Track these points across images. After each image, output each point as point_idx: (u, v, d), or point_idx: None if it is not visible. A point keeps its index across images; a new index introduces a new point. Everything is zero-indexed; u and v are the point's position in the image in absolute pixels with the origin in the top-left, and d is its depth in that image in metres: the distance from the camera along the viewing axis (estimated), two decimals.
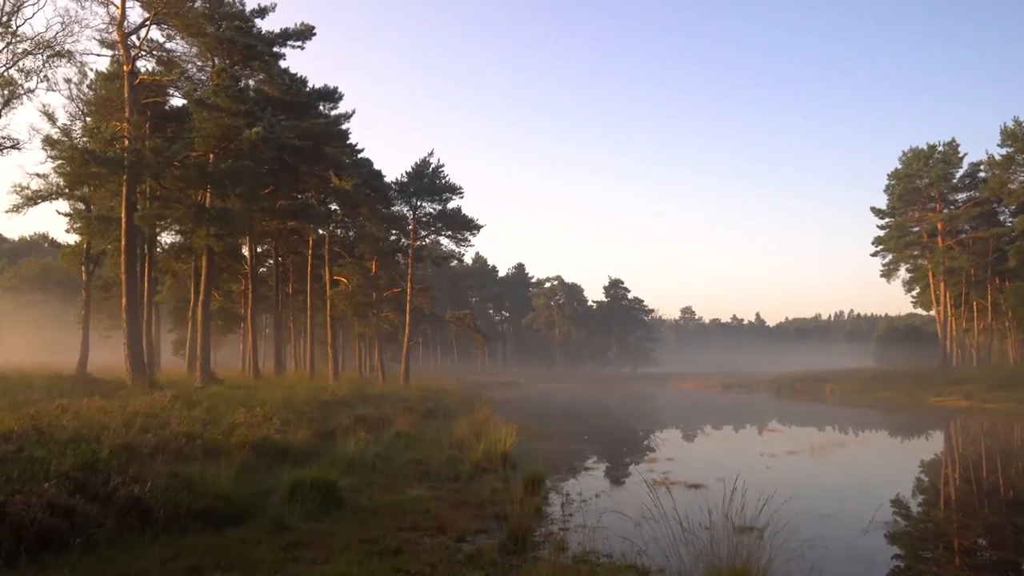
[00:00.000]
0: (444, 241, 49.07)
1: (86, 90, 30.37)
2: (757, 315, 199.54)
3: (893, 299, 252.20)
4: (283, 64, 35.36)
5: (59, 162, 28.85)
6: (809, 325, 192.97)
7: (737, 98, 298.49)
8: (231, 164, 27.86)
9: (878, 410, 46.70)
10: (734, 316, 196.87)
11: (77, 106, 30.85)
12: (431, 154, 46.13)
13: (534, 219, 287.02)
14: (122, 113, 28.25)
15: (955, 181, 72.45)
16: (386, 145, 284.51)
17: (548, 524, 12.01)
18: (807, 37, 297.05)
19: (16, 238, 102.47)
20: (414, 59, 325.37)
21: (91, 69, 33.56)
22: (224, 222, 27.44)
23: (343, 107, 38.17)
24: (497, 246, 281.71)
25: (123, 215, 27.57)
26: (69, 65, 28.88)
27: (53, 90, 28.86)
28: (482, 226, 47.00)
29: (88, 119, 30.31)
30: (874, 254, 79.18)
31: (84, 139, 28.05)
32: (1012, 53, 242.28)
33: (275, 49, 34.83)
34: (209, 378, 32.16)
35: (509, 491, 14.35)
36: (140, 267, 38.35)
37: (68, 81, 29.53)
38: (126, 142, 27.48)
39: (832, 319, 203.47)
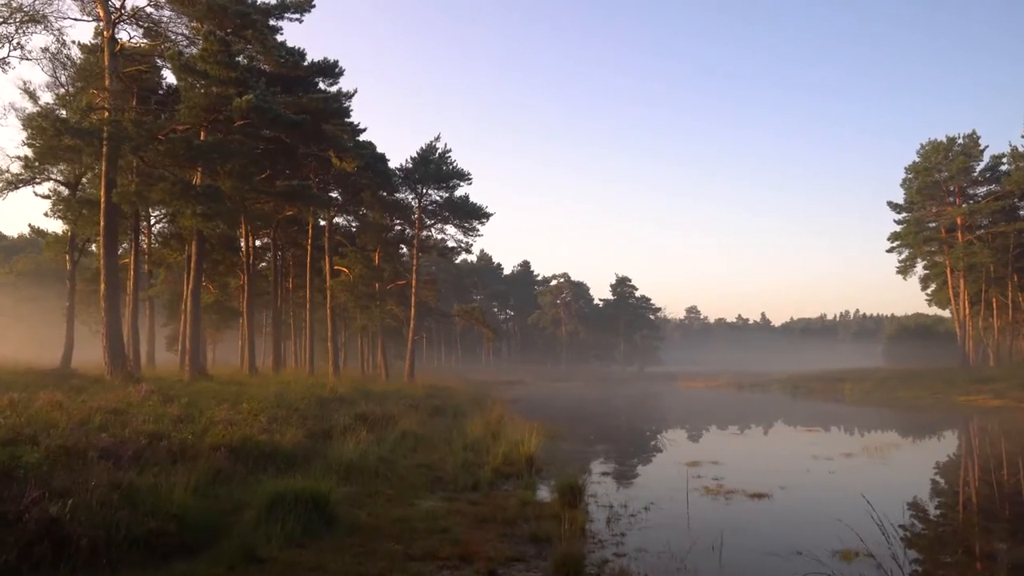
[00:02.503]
0: (451, 230, 46.39)
1: (64, 60, 27.81)
2: (762, 315, 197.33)
3: (899, 299, 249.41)
4: (279, 39, 32.92)
5: (32, 135, 26.37)
6: (815, 325, 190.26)
7: (744, 97, 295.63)
8: (220, 138, 25.33)
9: (908, 410, 44.19)
10: (739, 316, 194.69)
11: (55, 78, 28.35)
12: (437, 138, 43.63)
13: (539, 217, 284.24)
14: (102, 83, 25.76)
15: (975, 175, 69.82)
16: (387, 140, 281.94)
17: (598, 548, 9.48)
18: (814, 34, 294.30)
19: (15, 235, 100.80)
20: (417, 52, 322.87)
21: (75, 43, 31.18)
22: (212, 200, 24.90)
23: (345, 87, 35.63)
24: (502, 244, 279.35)
25: (102, 193, 25.09)
26: (46, 32, 26.46)
27: (28, 59, 26.43)
28: (491, 214, 44.48)
29: (66, 90, 27.73)
30: (890, 250, 76.66)
31: (58, 108, 25.55)
32: None
33: (271, 23, 32.34)
34: (199, 373, 29.68)
35: (541, 503, 11.90)
36: (130, 255, 36.00)
37: (45, 51, 26.98)
38: (106, 114, 25.01)
39: (838, 319, 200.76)
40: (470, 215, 44.33)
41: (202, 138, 26.98)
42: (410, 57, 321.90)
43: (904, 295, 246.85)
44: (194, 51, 28.89)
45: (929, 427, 32.46)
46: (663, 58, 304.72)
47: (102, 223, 25.24)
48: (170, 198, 24.79)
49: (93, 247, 37.99)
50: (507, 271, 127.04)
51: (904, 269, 77.20)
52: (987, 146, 68.66)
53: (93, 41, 30.92)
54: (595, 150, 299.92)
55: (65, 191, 34.88)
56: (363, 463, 13.41)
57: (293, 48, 31.90)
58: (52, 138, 23.95)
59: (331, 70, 33.66)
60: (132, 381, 22.46)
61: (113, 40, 25.91)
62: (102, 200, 25.10)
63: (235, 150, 25.31)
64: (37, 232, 41.19)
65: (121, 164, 27.72)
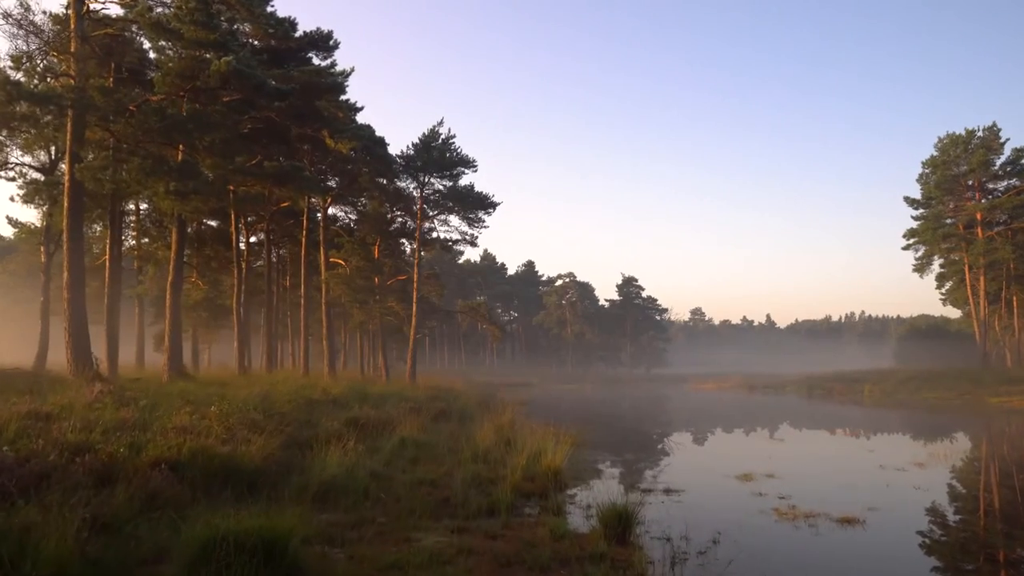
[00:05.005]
0: (455, 221, 43.42)
1: (29, 27, 24.98)
2: (767, 316, 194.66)
3: (905, 300, 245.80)
4: (268, 10, 30.18)
5: None
6: (820, 326, 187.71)
7: (749, 97, 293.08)
8: (198, 109, 22.55)
9: (942, 412, 41.54)
10: (744, 317, 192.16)
11: (23, 47, 25.56)
12: (440, 123, 40.62)
13: (542, 218, 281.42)
14: (68, 48, 23.04)
15: (996, 169, 67.26)
16: (386, 136, 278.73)
17: None
18: (818, 33, 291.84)
19: (11, 236, 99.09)
20: (418, 51, 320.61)
21: (46, 14, 28.41)
22: (187, 177, 22.11)
23: (341, 67, 32.73)
24: (505, 244, 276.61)
25: (67, 168, 22.39)
26: None
27: None
28: (498, 203, 41.44)
29: (27, 58, 24.93)
30: (906, 247, 74.28)
31: (16, 75, 22.82)
32: None
33: None
34: (178, 373, 26.93)
35: (579, 535, 9.11)
36: (106, 246, 33.25)
37: (7, 16, 24.24)
38: (71, 81, 22.30)
39: (843, 320, 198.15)
40: (475, 205, 41.40)
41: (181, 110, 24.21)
42: (411, 56, 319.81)
43: (910, 296, 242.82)
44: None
45: (983, 431, 29.54)
46: (668, 57, 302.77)
47: (66, 203, 22.47)
48: (141, 175, 22.01)
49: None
50: (511, 271, 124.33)
51: (921, 267, 74.84)
52: (1008, 139, 66.34)
53: (65, 12, 28.25)
54: (598, 150, 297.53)
55: (32, 174, 32.18)
56: (349, 481, 10.65)
57: (283, 18, 29.15)
58: (4, 104, 21.27)
59: (325, 42, 30.77)
60: (98, 381, 19.71)
61: (80, 1, 23.19)
62: (66, 176, 22.37)
63: (215, 122, 22.51)
64: (13, 223, 38.51)
65: (93, 140, 25.03)
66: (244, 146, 29.11)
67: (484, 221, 42.71)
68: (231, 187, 28.61)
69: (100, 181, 21.85)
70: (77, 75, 22.40)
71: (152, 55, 27.57)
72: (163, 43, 23.52)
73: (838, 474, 16.06)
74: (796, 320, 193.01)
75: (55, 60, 25.83)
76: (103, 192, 24.85)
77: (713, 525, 10.24)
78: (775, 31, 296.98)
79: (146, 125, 22.00)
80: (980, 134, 67.98)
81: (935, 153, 71.60)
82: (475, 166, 40.74)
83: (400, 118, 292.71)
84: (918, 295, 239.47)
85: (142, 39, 28.19)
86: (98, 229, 42.24)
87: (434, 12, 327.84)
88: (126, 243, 46.14)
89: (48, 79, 22.43)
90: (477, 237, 44.30)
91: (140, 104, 22.62)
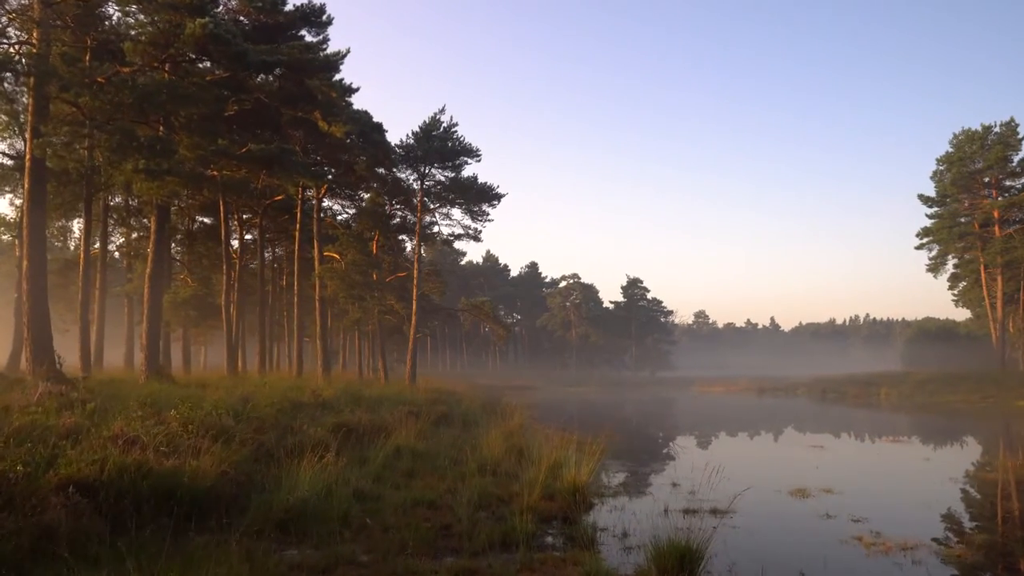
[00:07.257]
0: (457, 215, 41.16)
1: None
2: (772, 319, 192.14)
3: (910, 302, 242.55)
4: None
5: None
6: (825, 329, 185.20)
7: (750, 99, 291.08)
8: (172, 80, 20.37)
9: (972, 416, 39.52)
10: (748, 320, 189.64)
11: None
12: (442, 111, 38.34)
13: (546, 219, 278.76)
14: (31, 13, 20.87)
15: (1013, 165, 65.19)
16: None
17: None
18: (822, 35, 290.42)
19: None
20: (419, 51, 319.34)
21: None
22: (159, 155, 19.89)
23: (335, 48, 30.62)
24: (508, 246, 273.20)
25: (28, 145, 20.23)
26: None
27: None
28: (503, 195, 39.09)
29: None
30: (920, 246, 72.31)
31: None
32: None
33: None
34: (157, 374, 24.69)
35: None
36: (83, 238, 31.09)
37: None
38: (35, 50, 20.15)
39: (847, 323, 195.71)
40: (479, 197, 39.15)
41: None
42: (410, 58, 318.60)
43: (915, 299, 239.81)
44: None
45: None
46: (670, 59, 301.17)
47: (26, 184, 20.30)
48: (109, 152, 19.83)
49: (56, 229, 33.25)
50: (514, 273, 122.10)
51: (935, 267, 72.94)
52: None
53: None
54: (601, 151, 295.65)
55: (2, 160, 30.01)
56: (325, 503, 8.43)
57: None
58: None
59: (317, 16, 28.51)
60: (52, 382, 17.51)
61: None
62: (27, 154, 20.21)
63: (192, 95, 20.33)
64: None
65: (62, 118, 22.86)
66: (230, 131, 26.94)
67: (488, 214, 40.48)
68: (215, 172, 26.42)
69: (63, 159, 19.68)
70: (39, 43, 20.25)
71: (128, 20, 25.34)
72: (133, 7, 21.31)
73: (906, 489, 13.79)
74: (800, 323, 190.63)
75: (19, 33, 23.69)
76: (68, 171, 22.64)
77: (789, 561, 8.00)
78: (777, 32, 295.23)
79: (117, 99, 19.81)
80: (997, 130, 66.26)
81: (950, 150, 69.75)
82: (479, 155, 38.53)
83: (397, 120, 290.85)
84: (923, 297, 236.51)
85: (127, 24, 26.10)
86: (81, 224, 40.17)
87: (435, 12, 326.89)
88: (115, 241, 44.06)
89: (4, 45, 20.22)
90: (480, 231, 42.07)
91: (110, 76, 20.45)
